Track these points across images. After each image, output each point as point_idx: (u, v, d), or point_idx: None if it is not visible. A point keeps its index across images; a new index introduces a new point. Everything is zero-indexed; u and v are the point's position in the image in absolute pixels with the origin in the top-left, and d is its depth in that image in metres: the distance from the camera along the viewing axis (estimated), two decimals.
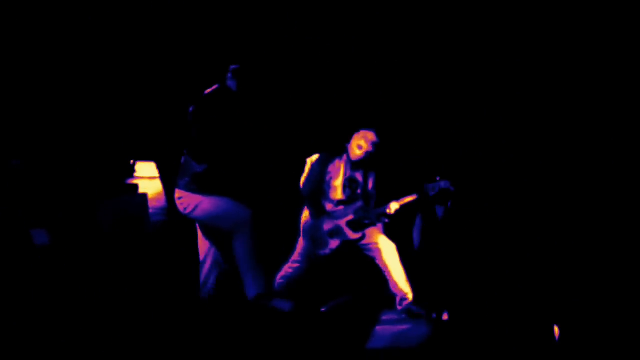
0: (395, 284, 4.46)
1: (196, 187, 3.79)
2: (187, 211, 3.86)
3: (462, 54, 5.36)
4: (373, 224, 4.62)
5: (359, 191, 4.58)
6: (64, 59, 5.23)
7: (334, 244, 4.53)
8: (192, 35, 5.28)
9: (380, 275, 4.54)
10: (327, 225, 4.54)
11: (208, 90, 3.90)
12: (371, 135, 4.54)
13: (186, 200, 3.84)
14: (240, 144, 3.85)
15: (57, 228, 4.53)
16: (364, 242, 4.57)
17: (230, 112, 3.80)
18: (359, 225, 4.56)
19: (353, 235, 4.55)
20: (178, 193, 3.89)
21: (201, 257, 4.11)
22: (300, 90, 5.29)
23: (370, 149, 4.52)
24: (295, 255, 4.62)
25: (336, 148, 4.60)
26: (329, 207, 4.56)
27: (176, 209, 3.98)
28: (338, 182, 4.55)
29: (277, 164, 5.03)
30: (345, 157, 4.59)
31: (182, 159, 3.91)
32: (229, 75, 3.88)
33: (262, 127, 4.03)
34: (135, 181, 5.33)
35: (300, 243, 4.61)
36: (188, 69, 5.24)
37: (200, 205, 3.79)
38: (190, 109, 3.88)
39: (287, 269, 4.60)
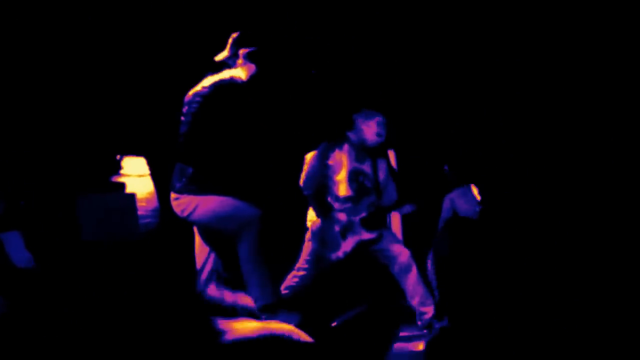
0: (413, 296, 4.13)
1: (196, 188, 3.48)
2: (186, 213, 3.53)
3: (462, 54, 5.39)
4: (386, 226, 4.31)
5: (367, 184, 4.23)
6: (44, 43, 4.99)
7: (347, 246, 4.18)
8: (185, 23, 5.14)
9: (396, 284, 4.22)
10: (338, 226, 4.18)
11: (210, 80, 3.56)
12: (381, 119, 4.23)
13: (184, 201, 3.52)
14: (246, 140, 3.57)
15: (33, 230, 4.24)
16: (376, 247, 4.23)
17: (238, 104, 3.51)
18: (373, 222, 4.19)
19: (368, 235, 4.19)
20: (175, 194, 3.59)
21: (198, 265, 3.78)
22: (303, 87, 5.13)
23: (385, 132, 4.23)
24: (301, 262, 4.27)
25: (335, 138, 4.30)
26: (336, 205, 4.21)
27: (171, 211, 3.66)
28: (341, 176, 4.20)
29: (279, 161, 4.74)
30: (346, 146, 4.24)
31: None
32: (243, 60, 3.56)
33: (268, 122, 3.75)
34: (122, 179, 4.99)
35: (306, 248, 4.28)
36: (180, 57, 5.04)
37: (200, 205, 3.48)
38: (189, 101, 3.56)
39: (293, 278, 4.28)
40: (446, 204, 5.07)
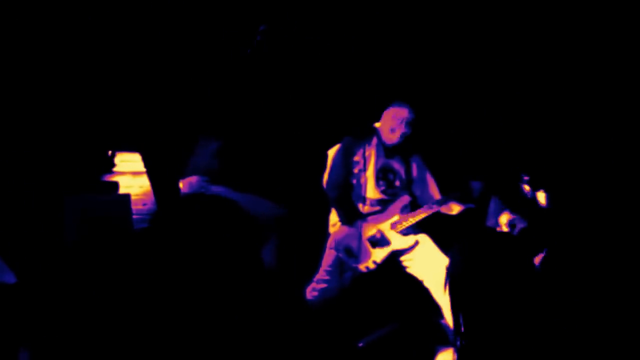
0: (449, 315, 3.78)
1: (214, 180, 3.43)
2: None
3: (463, 54, 5.35)
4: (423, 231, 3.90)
5: (397, 183, 3.90)
6: (29, 35, 4.81)
7: (379, 255, 3.78)
8: (180, 19, 4.99)
9: (430, 299, 3.87)
10: (367, 232, 3.81)
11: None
12: (403, 112, 3.88)
13: None
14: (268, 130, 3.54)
15: (14, 234, 4.07)
16: (409, 256, 3.85)
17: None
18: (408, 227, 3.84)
19: (401, 243, 3.81)
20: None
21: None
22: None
23: (404, 129, 3.86)
24: (322, 274, 3.93)
25: (363, 131, 4.00)
26: (364, 209, 3.89)
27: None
28: (369, 175, 3.89)
29: (297, 157, 4.69)
30: (375, 140, 3.92)
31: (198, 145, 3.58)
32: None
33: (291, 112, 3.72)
34: (115, 177, 4.91)
35: (327, 257, 3.93)
36: (175, 50, 4.89)
37: None
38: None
39: (312, 291, 3.94)
40: (492, 207, 4.68)
